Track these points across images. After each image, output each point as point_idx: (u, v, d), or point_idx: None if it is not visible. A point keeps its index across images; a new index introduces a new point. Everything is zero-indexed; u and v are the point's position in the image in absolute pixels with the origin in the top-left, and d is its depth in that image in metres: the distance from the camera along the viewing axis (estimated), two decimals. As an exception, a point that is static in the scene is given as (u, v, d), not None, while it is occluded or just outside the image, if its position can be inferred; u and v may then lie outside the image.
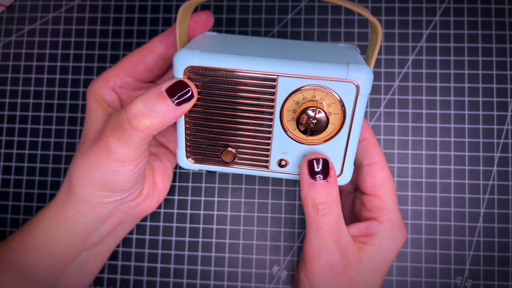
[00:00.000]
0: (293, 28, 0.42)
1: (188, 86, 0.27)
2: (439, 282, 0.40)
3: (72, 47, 0.44)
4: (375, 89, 0.42)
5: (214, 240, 0.41)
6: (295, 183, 0.42)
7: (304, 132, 0.28)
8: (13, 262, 0.34)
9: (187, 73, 0.28)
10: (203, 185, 0.42)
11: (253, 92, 0.28)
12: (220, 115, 0.29)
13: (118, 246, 0.42)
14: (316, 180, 0.29)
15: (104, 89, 0.33)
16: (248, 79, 0.27)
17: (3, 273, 0.33)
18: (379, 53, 0.42)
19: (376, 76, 0.42)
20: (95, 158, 0.30)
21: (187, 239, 0.42)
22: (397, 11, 0.42)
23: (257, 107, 0.28)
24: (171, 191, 0.42)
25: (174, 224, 0.42)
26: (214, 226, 0.42)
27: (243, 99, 0.28)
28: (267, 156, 0.30)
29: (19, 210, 0.43)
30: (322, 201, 0.29)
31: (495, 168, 0.40)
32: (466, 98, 0.41)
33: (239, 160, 0.31)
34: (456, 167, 0.41)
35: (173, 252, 0.41)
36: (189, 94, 0.27)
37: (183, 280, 0.41)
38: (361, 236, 0.32)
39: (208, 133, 0.30)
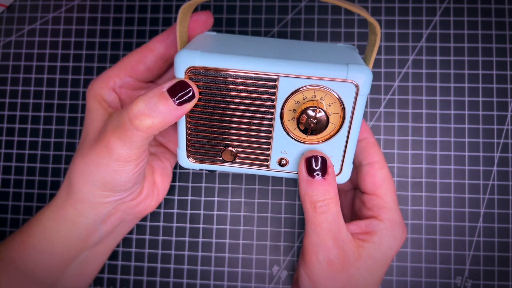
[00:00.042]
0: (293, 28, 0.43)
1: (189, 86, 0.27)
2: (439, 282, 0.40)
3: (72, 47, 0.44)
4: (375, 89, 0.42)
5: (214, 240, 0.41)
6: (295, 183, 0.42)
7: (304, 132, 0.28)
8: (13, 262, 0.34)
9: (188, 73, 0.28)
10: (203, 185, 0.42)
11: (254, 92, 0.28)
12: (221, 115, 0.29)
13: (118, 246, 0.42)
14: (314, 178, 0.29)
15: (104, 89, 0.33)
16: (249, 79, 0.28)
17: (3, 273, 0.33)
18: (379, 53, 0.42)
19: (376, 76, 0.42)
20: (95, 158, 0.30)
21: (187, 239, 0.42)
22: (397, 11, 0.42)
23: (258, 107, 0.28)
24: (171, 191, 0.42)
25: (174, 224, 0.42)
26: (214, 226, 0.42)
27: (244, 99, 0.28)
28: (268, 155, 0.30)
29: (19, 210, 0.43)
30: (320, 198, 0.29)
31: (495, 168, 0.40)
32: (466, 98, 0.41)
33: (240, 159, 0.31)
34: (456, 167, 0.41)
35: (173, 252, 0.41)
36: (190, 94, 0.27)
37: (183, 280, 0.41)
38: (360, 234, 0.33)
39: (208, 132, 0.30)
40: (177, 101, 0.27)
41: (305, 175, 0.29)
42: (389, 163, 0.41)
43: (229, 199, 0.42)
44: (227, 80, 0.28)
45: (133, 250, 0.42)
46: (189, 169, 0.42)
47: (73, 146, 0.43)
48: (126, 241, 0.42)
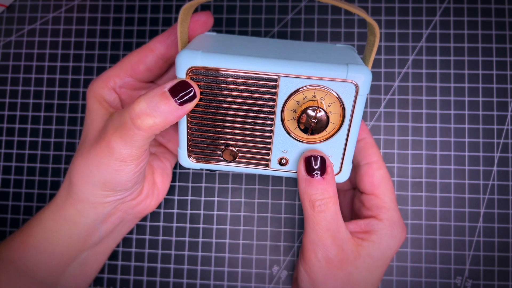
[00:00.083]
0: (293, 28, 0.43)
1: (190, 86, 0.28)
2: (439, 282, 0.40)
3: (72, 47, 0.44)
4: (375, 89, 0.42)
5: (214, 240, 0.41)
6: (295, 182, 0.42)
7: (305, 131, 0.28)
8: (13, 262, 0.34)
9: (190, 73, 0.28)
10: (203, 185, 0.42)
11: (255, 92, 0.28)
12: (222, 115, 0.29)
13: (118, 246, 0.42)
14: (313, 177, 0.29)
15: (105, 89, 0.33)
16: (250, 79, 0.28)
17: (3, 273, 0.33)
18: (379, 53, 0.42)
19: (376, 76, 0.42)
20: (96, 158, 0.30)
21: (187, 239, 0.42)
22: (397, 11, 0.42)
23: (259, 107, 0.29)
24: (171, 191, 0.42)
25: (174, 224, 0.42)
26: (214, 226, 0.42)
27: (244, 99, 0.28)
28: (268, 154, 0.30)
29: (19, 210, 0.43)
30: (318, 197, 0.30)
31: (495, 168, 0.40)
32: (466, 98, 0.41)
33: (240, 159, 0.31)
34: (456, 167, 0.41)
35: (173, 252, 0.41)
36: (192, 94, 0.28)
37: (183, 280, 0.41)
38: (360, 233, 0.33)
39: (209, 132, 0.30)
40: (179, 101, 0.27)
41: (304, 174, 0.30)
42: (389, 163, 0.41)
43: (229, 199, 0.42)
44: (228, 80, 0.28)
45: (133, 250, 0.42)
46: (189, 168, 0.42)
47: (73, 146, 0.43)
48: (126, 241, 0.42)
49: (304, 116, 0.27)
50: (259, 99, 0.28)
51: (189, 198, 0.42)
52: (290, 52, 0.30)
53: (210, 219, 0.42)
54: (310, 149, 0.30)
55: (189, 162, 0.32)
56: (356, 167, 0.35)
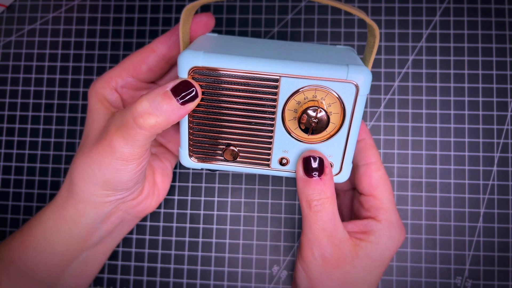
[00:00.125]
0: (293, 28, 0.43)
1: (192, 86, 0.28)
2: (439, 282, 0.40)
3: (72, 47, 0.44)
4: (375, 89, 0.42)
5: (214, 240, 0.41)
6: (295, 183, 0.42)
7: (306, 131, 0.28)
8: (13, 262, 0.34)
9: (192, 73, 0.28)
10: (203, 185, 0.42)
11: (256, 92, 0.28)
12: (223, 115, 0.29)
13: (118, 246, 0.42)
14: (311, 177, 0.29)
15: (106, 89, 0.33)
16: (251, 80, 0.28)
17: (3, 273, 0.33)
18: (379, 53, 0.42)
19: (376, 76, 0.42)
20: (97, 157, 0.30)
21: (187, 239, 0.42)
22: (397, 11, 0.42)
23: (260, 107, 0.29)
24: (171, 191, 0.42)
25: (174, 224, 0.42)
26: (214, 226, 0.42)
27: (246, 99, 0.29)
28: (269, 154, 0.31)
29: (19, 210, 0.43)
30: (315, 197, 0.30)
31: (495, 168, 0.40)
32: (466, 98, 0.41)
33: (241, 158, 0.31)
34: (456, 167, 0.41)
35: (173, 252, 0.41)
36: (194, 93, 0.28)
37: (183, 280, 0.41)
38: (358, 233, 0.33)
39: (210, 132, 0.30)
40: (181, 101, 0.27)
41: (302, 175, 0.30)
42: (389, 163, 0.41)
43: (229, 199, 0.42)
44: (230, 80, 0.28)
45: (133, 250, 0.42)
46: (190, 168, 0.42)
47: (73, 146, 0.43)
48: (126, 241, 0.42)
49: (305, 116, 0.27)
50: (260, 99, 0.28)
51: (189, 198, 0.42)
52: (291, 52, 0.30)
53: (210, 219, 0.42)
54: (309, 150, 0.30)
55: (190, 162, 0.32)
56: (355, 168, 0.35)
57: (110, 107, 0.33)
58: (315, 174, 0.29)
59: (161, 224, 0.42)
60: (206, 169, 0.33)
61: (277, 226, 0.41)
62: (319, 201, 0.30)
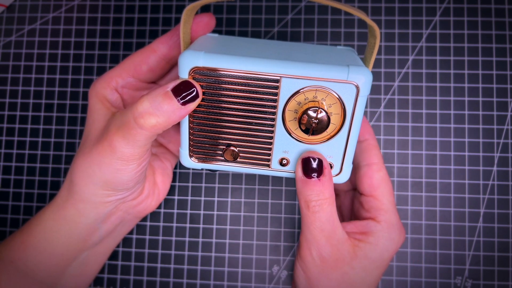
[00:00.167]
0: (293, 28, 0.43)
1: (193, 86, 0.28)
2: (439, 282, 0.40)
3: (72, 47, 0.44)
4: (375, 89, 0.42)
5: (214, 240, 0.41)
6: (295, 183, 0.42)
7: (306, 132, 0.28)
8: (13, 262, 0.34)
9: (192, 74, 0.28)
10: (203, 185, 0.42)
11: (257, 92, 0.28)
12: (224, 115, 0.29)
13: (118, 246, 0.42)
14: (309, 178, 0.29)
15: (107, 89, 0.33)
16: (251, 80, 0.28)
17: (3, 273, 0.33)
18: (379, 53, 0.42)
19: (376, 76, 0.42)
20: (98, 157, 0.30)
21: (187, 239, 0.42)
22: (397, 11, 0.42)
23: (260, 107, 0.29)
24: (171, 191, 0.42)
25: (174, 224, 0.42)
26: (214, 226, 0.42)
27: (246, 99, 0.29)
28: (269, 155, 0.31)
29: (19, 210, 0.43)
30: (314, 198, 0.30)
31: (495, 168, 0.41)
32: (466, 98, 0.41)
33: (241, 159, 0.31)
34: (456, 167, 0.41)
35: (173, 252, 0.42)
36: (194, 94, 0.28)
37: (183, 280, 0.41)
38: (357, 234, 0.33)
39: (211, 132, 0.30)
40: (181, 101, 0.27)
41: (301, 175, 0.30)
42: (389, 163, 0.41)
43: (229, 199, 0.42)
44: (230, 81, 0.28)
45: (133, 250, 0.42)
46: (190, 168, 0.42)
47: (73, 146, 0.43)
48: (126, 241, 0.42)
49: (305, 117, 0.27)
50: (261, 99, 0.28)
51: (189, 198, 0.42)
52: (291, 53, 0.30)
53: (210, 219, 0.42)
54: (308, 150, 0.30)
55: (190, 162, 0.32)
56: (356, 168, 0.35)
57: (111, 107, 0.33)
58: (314, 175, 0.29)
59: (161, 224, 0.42)
60: (206, 169, 0.33)
61: (277, 226, 0.41)
62: (318, 202, 0.30)
